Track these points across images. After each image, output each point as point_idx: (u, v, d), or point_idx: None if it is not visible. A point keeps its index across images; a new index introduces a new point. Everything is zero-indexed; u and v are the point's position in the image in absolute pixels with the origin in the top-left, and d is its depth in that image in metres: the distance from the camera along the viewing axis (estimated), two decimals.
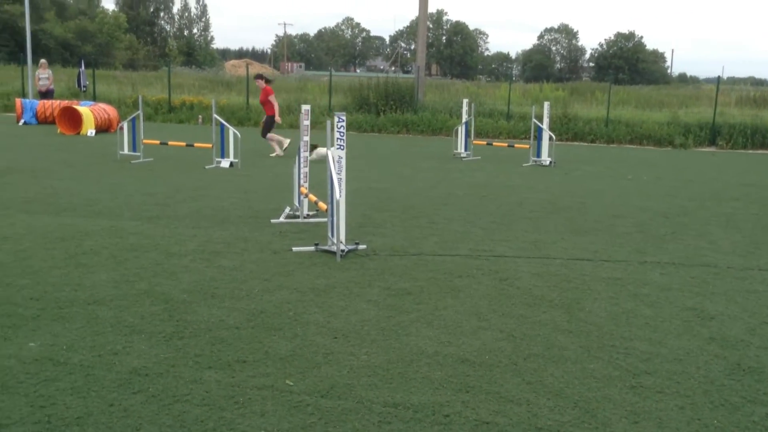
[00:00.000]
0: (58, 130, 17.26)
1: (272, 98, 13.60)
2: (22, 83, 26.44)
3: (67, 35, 56.75)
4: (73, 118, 17.42)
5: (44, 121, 19.69)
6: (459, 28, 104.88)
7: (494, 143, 16.74)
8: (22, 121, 19.79)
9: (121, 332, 4.05)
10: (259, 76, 13.91)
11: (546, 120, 13.87)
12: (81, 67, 24.47)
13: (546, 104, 14.21)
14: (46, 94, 22.04)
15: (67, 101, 20.38)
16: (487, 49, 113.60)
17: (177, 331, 4.10)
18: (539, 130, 13.83)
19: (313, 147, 12.47)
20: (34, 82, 22.94)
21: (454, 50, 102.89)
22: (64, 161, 11.89)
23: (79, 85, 24.14)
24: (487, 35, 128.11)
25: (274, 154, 13.85)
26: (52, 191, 8.76)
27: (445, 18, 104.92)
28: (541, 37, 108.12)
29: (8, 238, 6.18)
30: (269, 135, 13.91)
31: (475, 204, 8.98)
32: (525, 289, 5.24)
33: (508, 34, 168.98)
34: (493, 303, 4.88)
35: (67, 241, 6.15)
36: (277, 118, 13.76)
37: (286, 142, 14.20)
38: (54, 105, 19.84)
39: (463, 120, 14.92)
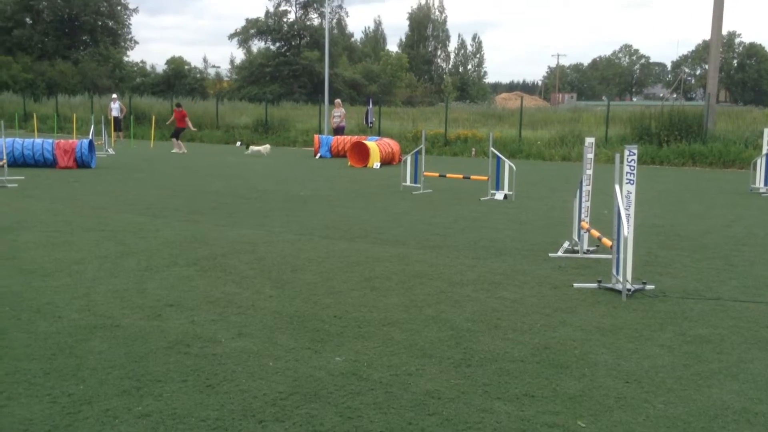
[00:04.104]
0: (348, 163, 18.98)
1: (186, 119, 23.68)
2: (319, 121, 29.65)
3: (355, 76, 62.49)
4: (361, 152, 19.04)
5: (336, 154, 21.79)
6: (753, 51, 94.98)
7: None
8: (319, 155, 22.11)
9: (414, 354, 4.28)
10: (177, 105, 24.91)
11: None
12: (369, 105, 26.72)
13: None
14: (338, 131, 24.43)
15: (356, 137, 22.38)
16: None
17: (464, 358, 4.22)
18: None
19: (248, 145, 22.80)
20: (329, 120, 25.58)
21: (747, 74, 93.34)
22: (355, 191, 13.02)
23: (367, 121, 26.35)
24: None
25: (174, 150, 22.81)
26: (346, 219, 9.62)
27: (737, 40, 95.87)
28: None
29: (313, 260, 6.92)
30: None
31: None
32: None
33: None
34: None
35: (361, 266, 6.70)
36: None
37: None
38: (345, 140, 21.90)
39: (764, 151, 13.40)
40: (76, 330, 4.65)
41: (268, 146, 22.69)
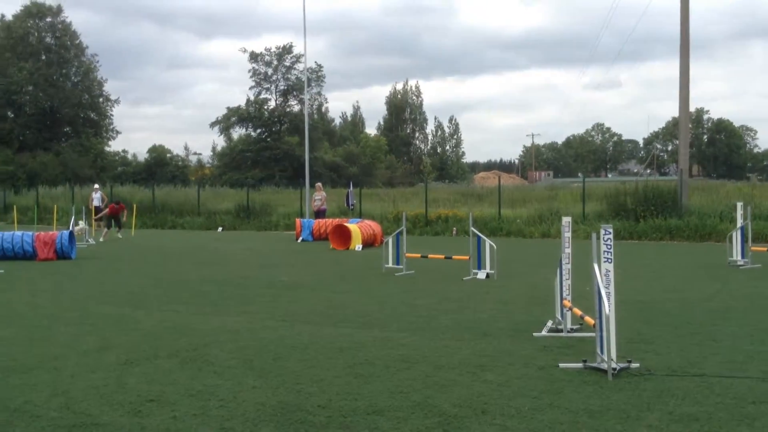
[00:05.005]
0: (330, 246, 19.02)
1: (124, 212, 24.71)
2: (301, 204, 29.86)
3: (335, 159, 63.39)
4: (343, 235, 19.12)
5: (318, 237, 21.84)
6: (722, 126, 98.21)
7: None
8: (300, 238, 22.15)
9: None
10: (116, 202, 24.59)
11: None
12: (349, 187, 27.03)
13: None
14: (319, 214, 24.60)
15: (338, 219, 22.52)
16: (756, 146, 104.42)
17: None
18: None
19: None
20: (311, 204, 25.78)
21: (718, 149, 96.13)
22: (337, 275, 13.01)
23: (348, 203, 26.59)
24: (755, 131, 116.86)
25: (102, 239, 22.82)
26: (329, 303, 9.58)
27: (705, 116, 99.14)
28: None
29: (296, 347, 6.84)
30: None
31: (763, 319, 8.04)
32: None
33: None
34: None
35: (345, 352, 6.63)
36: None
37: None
38: (327, 223, 22.02)
39: (739, 224, 13.68)
40: (55, 430, 4.52)
41: (84, 227, 22.70)
